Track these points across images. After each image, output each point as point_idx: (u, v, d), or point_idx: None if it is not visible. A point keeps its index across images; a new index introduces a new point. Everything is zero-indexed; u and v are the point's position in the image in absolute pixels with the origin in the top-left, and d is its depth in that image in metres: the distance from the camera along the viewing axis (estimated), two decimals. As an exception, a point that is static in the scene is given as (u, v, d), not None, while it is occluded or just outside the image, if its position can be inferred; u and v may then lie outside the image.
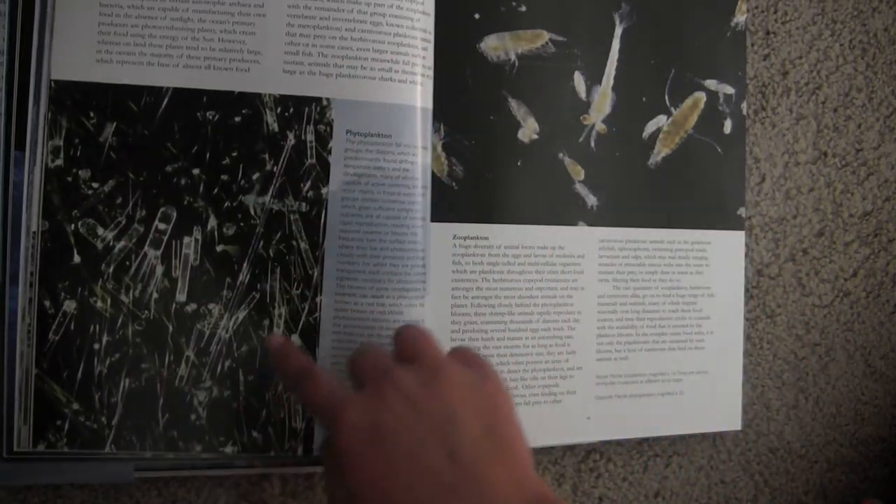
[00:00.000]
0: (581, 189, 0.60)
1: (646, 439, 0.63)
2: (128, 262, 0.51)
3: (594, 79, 0.60)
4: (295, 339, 0.52)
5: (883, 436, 0.69)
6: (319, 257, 0.53)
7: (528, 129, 0.58)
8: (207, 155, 0.51)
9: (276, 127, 0.52)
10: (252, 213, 0.52)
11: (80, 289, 0.50)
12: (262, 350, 0.52)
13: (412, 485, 0.40)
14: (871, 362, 0.69)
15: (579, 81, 0.60)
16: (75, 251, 0.50)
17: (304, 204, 0.52)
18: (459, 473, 0.41)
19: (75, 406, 0.50)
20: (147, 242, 0.51)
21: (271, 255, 0.52)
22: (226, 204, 0.52)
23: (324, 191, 0.52)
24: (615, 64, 0.60)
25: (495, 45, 0.58)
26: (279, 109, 0.52)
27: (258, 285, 0.52)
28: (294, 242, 0.52)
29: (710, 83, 0.62)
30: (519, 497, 0.41)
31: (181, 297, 0.51)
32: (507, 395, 0.45)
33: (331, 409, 0.44)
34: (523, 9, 0.58)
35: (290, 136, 0.52)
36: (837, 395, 0.68)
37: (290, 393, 0.52)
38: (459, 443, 0.41)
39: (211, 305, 0.52)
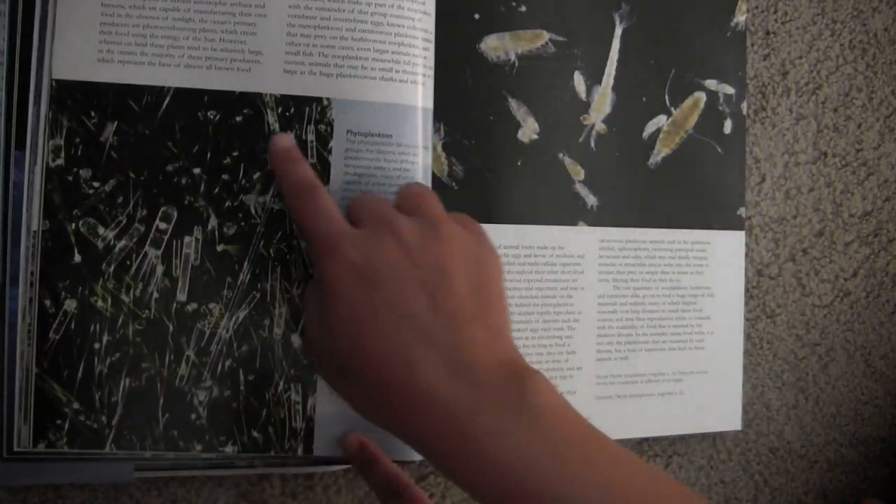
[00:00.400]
0: (581, 189, 0.60)
1: (646, 439, 0.63)
2: (128, 262, 0.51)
3: (594, 79, 0.60)
4: (295, 338, 0.52)
5: (883, 436, 0.69)
6: None
7: (528, 129, 0.58)
8: (208, 154, 0.51)
9: (276, 127, 0.52)
10: (253, 212, 0.52)
11: (80, 288, 0.50)
12: (262, 350, 0.52)
13: (389, 327, 0.41)
14: (871, 362, 0.69)
15: (579, 81, 0.60)
16: (76, 250, 0.50)
17: None
18: (438, 323, 0.41)
19: (75, 405, 0.50)
20: (148, 242, 0.51)
21: (272, 254, 0.52)
22: (226, 203, 0.52)
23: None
24: (615, 64, 0.60)
25: (495, 45, 0.58)
26: (280, 109, 0.52)
27: (259, 285, 0.52)
28: (295, 242, 0.52)
29: (710, 83, 0.62)
30: (491, 356, 0.41)
31: (182, 296, 0.51)
32: (498, 262, 0.46)
33: (328, 238, 0.44)
34: (523, 9, 0.58)
35: (291, 135, 0.52)
36: (837, 395, 0.68)
37: (287, 204, 0.50)
38: (444, 295, 0.42)
39: (211, 305, 0.52)
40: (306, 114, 0.52)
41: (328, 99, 0.52)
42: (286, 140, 0.50)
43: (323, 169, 0.52)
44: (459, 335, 0.41)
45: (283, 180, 0.49)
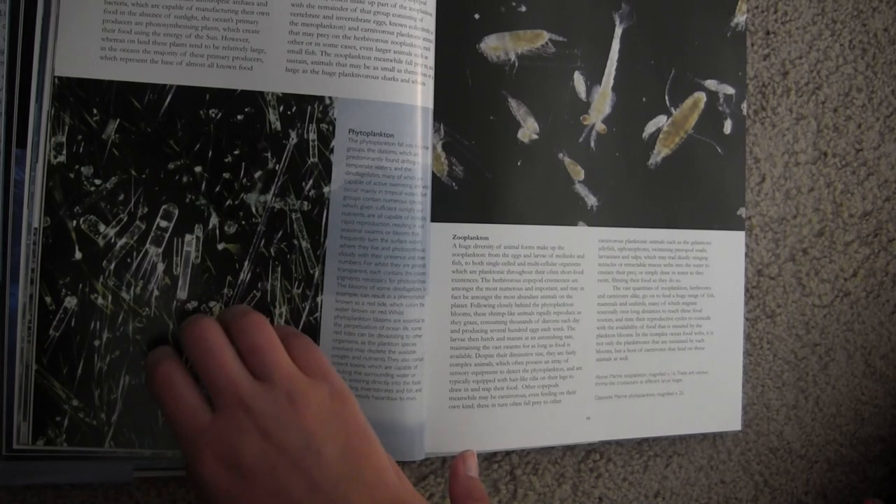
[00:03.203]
0: (581, 189, 0.60)
1: (646, 439, 0.63)
2: (129, 259, 0.51)
3: (594, 79, 0.60)
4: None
5: (883, 436, 0.69)
6: (320, 256, 0.53)
7: (528, 129, 0.58)
8: (210, 153, 0.51)
9: (278, 125, 0.52)
10: (254, 211, 0.52)
11: (81, 285, 0.50)
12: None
13: (283, 486, 0.41)
14: (871, 362, 0.69)
15: (579, 81, 0.60)
16: (77, 248, 0.50)
17: (305, 203, 0.52)
18: (320, 501, 0.41)
19: (75, 402, 0.50)
20: (148, 240, 0.51)
21: (272, 253, 0.52)
22: (227, 202, 0.52)
23: (325, 190, 0.52)
24: (615, 64, 0.61)
25: (495, 45, 0.58)
26: (282, 108, 0.52)
27: (259, 284, 0.52)
28: (295, 241, 0.52)
29: (710, 83, 0.62)
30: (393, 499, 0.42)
31: (182, 294, 0.51)
32: (354, 404, 0.46)
33: (189, 437, 0.43)
34: (523, 9, 0.58)
35: (293, 134, 0.52)
36: (837, 395, 0.68)
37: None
38: (318, 472, 0.42)
39: (212, 303, 0.52)
40: (308, 112, 0.52)
41: (330, 98, 0.52)
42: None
43: (324, 168, 0.52)
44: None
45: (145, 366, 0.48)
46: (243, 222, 0.52)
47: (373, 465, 0.44)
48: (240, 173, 0.52)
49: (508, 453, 0.61)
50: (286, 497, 0.41)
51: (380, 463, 0.44)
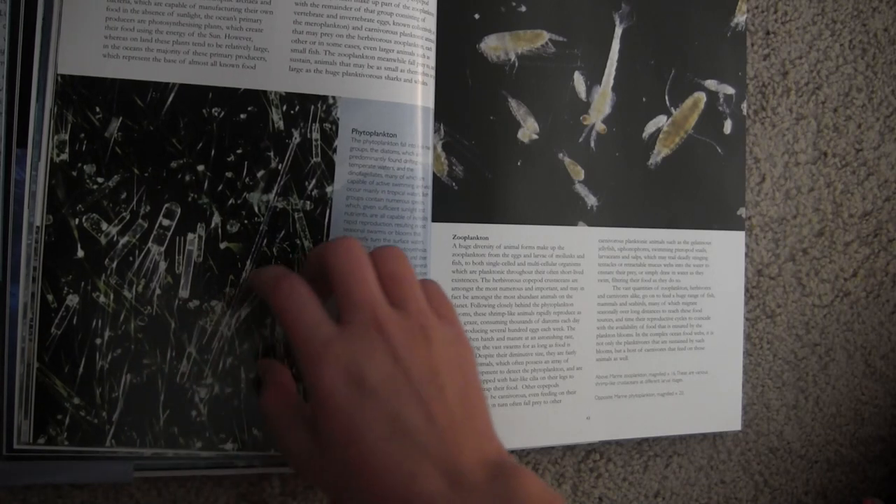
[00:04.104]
0: (581, 189, 0.60)
1: (646, 439, 0.63)
2: (131, 258, 0.51)
3: (594, 79, 0.60)
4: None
5: (883, 436, 0.69)
6: None
7: (528, 129, 0.58)
8: (212, 152, 0.51)
9: (281, 125, 0.52)
10: (256, 210, 0.52)
11: (83, 283, 0.50)
12: (263, 349, 0.52)
13: (386, 443, 0.41)
14: (871, 362, 0.69)
15: (579, 81, 0.60)
16: (79, 246, 0.50)
17: (308, 202, 0.52)
18: (433, 436, 0.42)
19: (76, 401, 0.50)
20: (151, 238, 0.51)
21: (275, 253, 0.52)
22: (230, 201, 0.52)
23: (328, 189, 0.52)
24: (615, 64, 0.61)
25: (495, 45, 0.58)
26: (285, 107, 0.52)
27: (261, 283, 0.52)
28: (298, 241, 0.52)
29: (710, 83, 0.63)
30: (481, 460, 0.42)
31: (184, 293, 0.51)
32: (473, 356, 0.47)
33: (312, 346, 0.43)
34: (523, 9, 0.58)
35: (296, 133, 0.52)
36: (837, 395, 0.68)
37: (270, 304, 0.47)
38: (438, 408, 0.42)
39: (213, 302, 0.52)
40: (311, 112, 0.52)
41: (334, 97, 0.52)
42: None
43: (327, 167, 0.52)
44: (454, 446, 0.42)
45: (255, 286, 0.49)
46: (246, 221, 0.52)
47: (483, 417, 0.45)
48: (242, 172, 0.52)
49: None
50: (403, 423, 0.41)
51: (488, 416, 0.45)
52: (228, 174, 0.51)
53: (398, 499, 0.41)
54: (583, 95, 0.60)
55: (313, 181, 0.52)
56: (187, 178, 0.51)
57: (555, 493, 0.42)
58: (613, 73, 0.61)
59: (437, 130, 0.56)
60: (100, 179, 0.50)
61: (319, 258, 0.47)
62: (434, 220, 0.55)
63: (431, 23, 0.54)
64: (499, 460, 0.43)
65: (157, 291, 0.51)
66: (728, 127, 0.63)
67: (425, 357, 0.43)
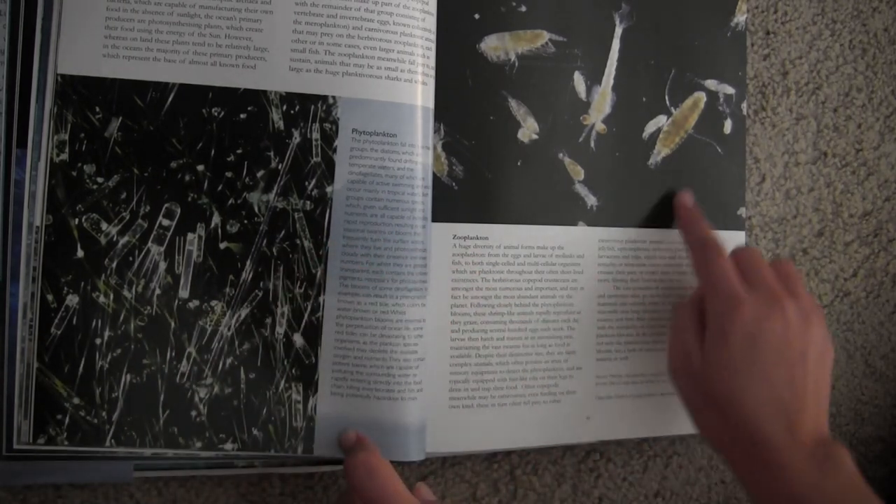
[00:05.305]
0: (581, 189, 0.60)
1: (646, 439, 0.63)
2: (131, 258, 0.51)
3: (594, 79, 0.60)
4: (297, 338, 0.52)
5: (883, 436, 0.69)
6: (323, 256, 0.52)
7: (528, 129, 0.58)
8: (212, 151, 0.51)
9: (281, 125, 0.52)
10: (256, 210, 0.52)
11: (82, 283, 0.50)
12: (263, 349, 0.52)
13: (757, 383, 0.52)
14: (871, 362, 0.69)
15: (579, 81, 0.60)
16: (79, 246, 0.50)
17: (308, 202, 0.52)
18: (788, 393, 0.52)
19: (76, 400, 0.50)
20: (150, 238, 0.51)
21: (275, 253, 0.52)
22: (230, 201, 0.52)
23: (328, 189, 0.52)
24: (615, 64, 0.61)
25: (495, 45, 0.58)
26: (285, 107, 0.52)
27: (261, 283, 0.52)
28: (298, 241, 0.52)
29: (710, 83, 0.63)
30: (812, 426, 0.52)
31: (184, 293, 0.51)
32: (832, 354, 0.56)
33: (733, 298, 0.54)
34: (523, 9, 0.58)
35: (296, 133, 0.52)
36: (837, 395, 0.68)
37: (692, 256, 0.59)
38: (800, 374, 0.53)
39: (213, 302, 0.52)
40: (311, 112, 0.52)
41: (334, 97, 0.52)
42: (690, 199, 0.61)
43: (327, 167, 0.52)
44: (800, 407, 0.52)
45: (689, 237, 0.60)
46: (245, 221, 0.52)
47: (824, 402, 0.54)
48: (242, 172, 0.52)
49: (508, 453, 0.61)
50: (772, 374, 0.52)
51: (827, 405, 0.55)
52: (228, 174, 0.51)
53: (747, 423, 0.52)
54: (583, 95, 0.60)
55: (313, 181, 0.52)
56: (187, 178, 0.51)
57: (865, 483, 0.51)
58: (613, 73, 0.61)
59: (437, 130, 0.56)
60: (100, 179, 0.50)
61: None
62: (434, 220, 0.55)
63: (431, 23, 0.54)
64: (825, 435, 0.53)
65: (157, 291, 0.51)
66: (728, 127, 0.63)
67: (804, 336, 0.54)
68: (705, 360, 0.54)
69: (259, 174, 0.52)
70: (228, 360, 0.52)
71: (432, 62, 0.54)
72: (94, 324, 0.50)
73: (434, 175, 0.55)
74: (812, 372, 0.54)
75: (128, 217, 0.50)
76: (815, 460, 0.51)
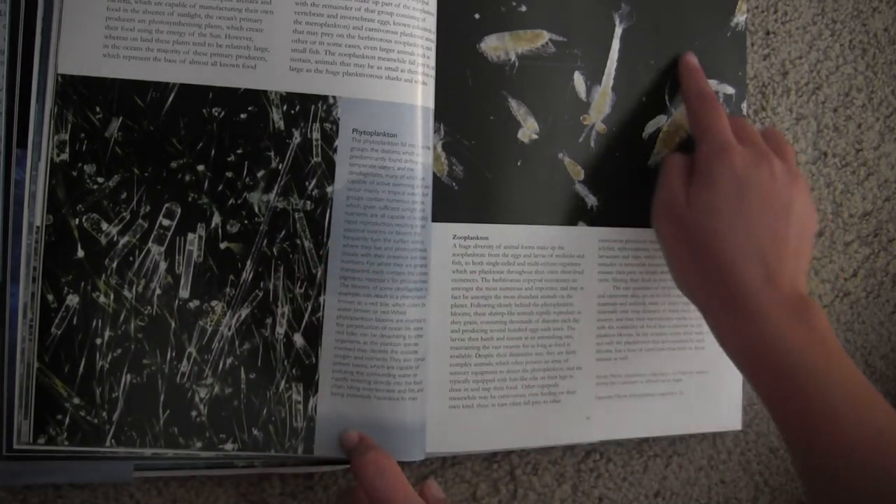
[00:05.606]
0: (581, 189, 0.60)
1: (646, 439, 0.63)
2: (131, 258, 0.51)
3: (594, 79, 0.60)
4: (297, 338, 0.52)
5: (882, 435, 0.69)
6: (323, 256, 0.52)
7: (528, 129, 0.58)
8: (212, 151, 0.51)
9: (281, 125, 0.52)
10: (256, 210, 0.52)
11: (83, 283, 0.50)
12: (263, 349, 0.52)
13: (741, 228, 0.53)
14: (871, 362, 0.69)
15: (579, 81, 0.60)
16: (79, 246, 0.50)
17: (308, 202, 0.52)
18: (769, 244, 0.53)
19: (76, 400, 0.50)
20: (151, 238, 0.51)
21: (275, 253, 0.52)
22: (230, 201, 0.52)
23: (329, 189, 0.52)
24: (615, 64, 0.61)
25: (495, 45, 0.58)
26: (285, 107, 0.52)
27: (261, 283, 0.52)
28: (298, 241, 0.52)
29: (711, 83, 0.62)
30: (790, 282, 0.53)
31: (184, 293, 0.51)
32: (815, 219, 0.57)
33: (723, 144, 0.56)
34: (523, 9, 0.58)
35: (296, 133, 0.52)
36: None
37: (688, 106, 0.61)
38: (783, 227, 0.54)
39: (214, 303, 0.52)
40: (312, 112, 0.52)
41: (334, 97, 0.52)
42: (695, 59, 0.62)
43: (328, 167, 0.52)
44: (780, 258, 0.53)
45: (688, 91, 0.61)
46: (246, 221, 0.52)
47: (803, 261, 0.55)
48: (243, 172, 0.52)
49: (508, 453, 0.61)
50: (755, 222, 0.53)
51: (806, 264, 0.56)
52: (228, 174, 0.51)
53: (725, 268, 0.53)
54: (583, 95, 0.60)
55: (313, 181, 0.52)
56: (187, 178, 0.51)
57: (836, 339, 0.52)
58: (613, 73, 0.61)
59: (437, 130, 0.56)
60: (100, 179, 0.50)
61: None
62: (434, 220, 0.55)
63: (431, 23, 0.54)
64: (802, 294, 0.53)
65: (158, 291, 0.51)
66: (728, 127, 0.63)
67: (789, 192, 0.55)
68: (690, 203, 0.55)
69: (259, 174, 0.52)
70: (229, 361, 0.52)
71: (432, 62, 0.54)
72: (94, 324, 0.50)
73: (434, 175, 0.55)
74: (794, 226, 0.54)
75: (128, 217, 0.50)
76: (789, 310, 0.51)
